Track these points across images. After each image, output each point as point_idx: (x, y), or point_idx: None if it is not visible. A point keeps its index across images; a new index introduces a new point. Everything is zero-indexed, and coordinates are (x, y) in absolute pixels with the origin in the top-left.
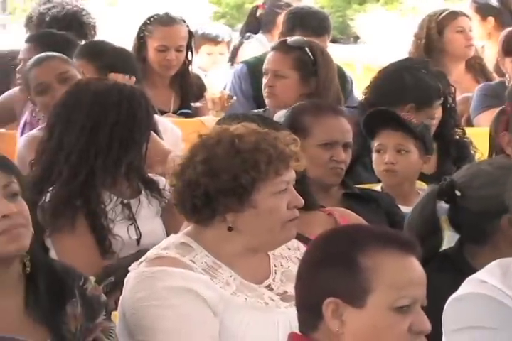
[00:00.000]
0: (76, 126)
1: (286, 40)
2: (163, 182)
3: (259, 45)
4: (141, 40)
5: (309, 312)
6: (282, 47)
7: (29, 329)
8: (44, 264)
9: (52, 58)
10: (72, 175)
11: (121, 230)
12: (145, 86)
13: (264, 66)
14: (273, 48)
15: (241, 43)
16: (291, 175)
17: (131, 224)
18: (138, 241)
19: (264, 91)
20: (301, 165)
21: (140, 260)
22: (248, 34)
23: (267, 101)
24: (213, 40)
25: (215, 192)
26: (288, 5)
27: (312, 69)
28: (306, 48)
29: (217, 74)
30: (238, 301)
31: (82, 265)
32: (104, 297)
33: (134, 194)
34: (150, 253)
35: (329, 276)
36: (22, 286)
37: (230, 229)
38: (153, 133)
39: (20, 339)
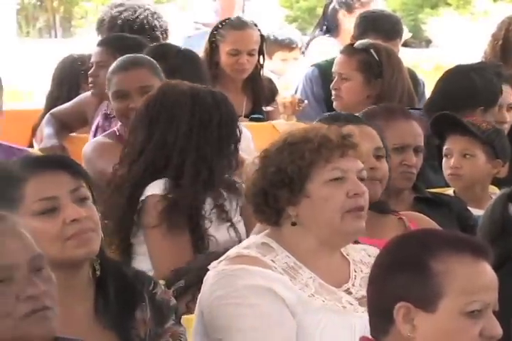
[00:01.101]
0: (182, 126)
1: (353, 43)
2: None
3: (326, 42)
4: (212, 44)
5: (380, 316)
6: (348, 50)
7: (98, 335)
8: (114, 268)
9: (141, 67)
10: (195, 174)
11: (219, 232)
12: None
13: (333, 69)
14: (340, 51)
15: (310, 40)
16: (349, 165)
17: (230, 226)
18: (240, 241)
19: (332, 94)
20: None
21: (220, 259)
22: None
23: (334, 103)
24: (288, 47)
25: (268, 186)
26: (347, 5)
27: (377, 71)
28: (372, 50)
29: (292, 77)
30: (316, 303)
31: (174, 263)
32: (174, 301)
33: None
34: (231, 252)
35: (401, 281)
36: (91, 291)
37: (293, 223)
38: None
39: None
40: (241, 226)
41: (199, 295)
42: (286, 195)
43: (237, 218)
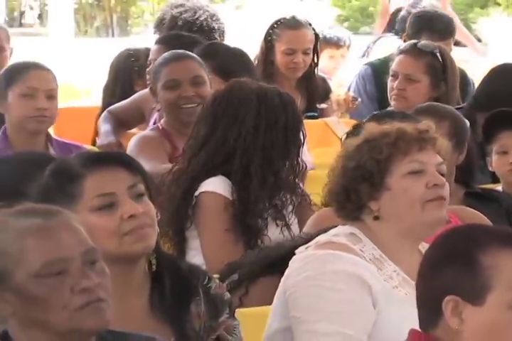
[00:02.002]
0: (246, 125)
1: (415, 43)
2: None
3: (392, 43)
4: (268, 43)
5: (429, 309)
6: (414, 51)
7: (153, 328)
8: (169, 263)
9: (191, 59)
10: (263, 180)
11: (273, 231)
12: None
13: (394, 68)
14: (403, 51)
15: (377, 39)
16: (428, 158)
17: (284, 226)
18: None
19: (392, 94)
20: (441, 150)
21: (307, 245)
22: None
23: (394, 103)
24: (335, 45)
25: (349, 182)
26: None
27: (441, 75)
28: (438, 53)
29: (346, 73)
30: (399, 295)
31: (226, 260)
32: (228, 295)
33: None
34: (320, 239)
35: (449, 274)
36: (147, 285)
37: (376, 218)
38: None
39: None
40: (295, 226)
41: (283, 277)
42: (367, 190)
43: (292, 218)
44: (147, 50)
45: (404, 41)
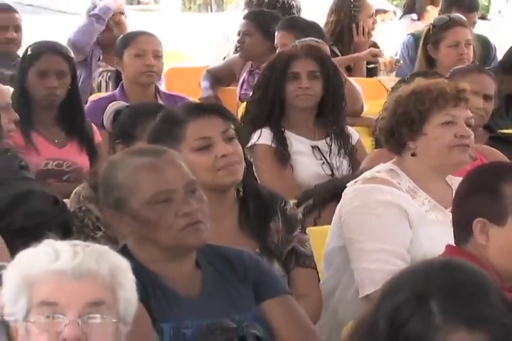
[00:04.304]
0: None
1: (452, 16)
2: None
3: (411, 22)
4: (349, 13)
5: (462, 229)
6: (461, 21)
7: (242, 242)
8: (253, 190)
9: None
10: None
11: (315, 166)
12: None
13: (454, 38)
14: (455, 23)
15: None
16: (460, 112)
17: (323, 163)
18: (332, 175)
19: (459, 59)
20: (472, 107)
21: (356, 179)
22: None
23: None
24: (381, 11)
25: (395, 124)
26: None
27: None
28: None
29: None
30: (431, 217)
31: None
32: (300, 215)
33: (321, 136)
34: (366, 174)
35: (477, 201)
36: (236, 208)
37: (413, 154)
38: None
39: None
40: (343, 165)
41: (338, 205)
42: (407, 132)
43: (338, 157)
44: None
45: (439, 15)
